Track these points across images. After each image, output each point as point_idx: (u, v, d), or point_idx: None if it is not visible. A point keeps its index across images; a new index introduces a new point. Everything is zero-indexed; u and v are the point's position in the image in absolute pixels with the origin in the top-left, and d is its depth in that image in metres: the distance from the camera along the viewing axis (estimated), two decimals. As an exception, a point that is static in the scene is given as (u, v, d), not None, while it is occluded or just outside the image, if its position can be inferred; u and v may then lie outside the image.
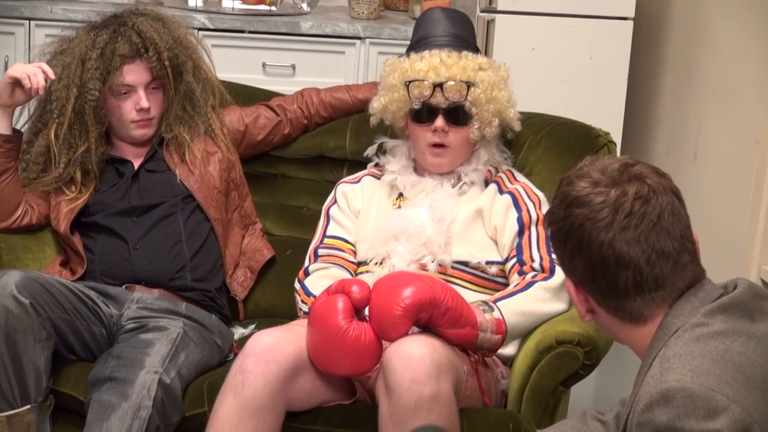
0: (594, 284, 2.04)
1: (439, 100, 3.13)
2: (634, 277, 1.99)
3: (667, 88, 4.81)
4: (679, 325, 1.99)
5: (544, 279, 2.98)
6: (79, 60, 3.27)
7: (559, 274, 2.95)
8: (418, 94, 3.13)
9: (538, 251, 3.05)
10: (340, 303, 2.75)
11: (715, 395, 1.85)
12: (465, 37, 3.23)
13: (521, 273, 3.03)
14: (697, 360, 1.90)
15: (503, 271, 3.09)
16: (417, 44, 3.22)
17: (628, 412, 2.00)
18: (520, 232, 3.08)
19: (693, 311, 1.99)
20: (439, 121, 3.13)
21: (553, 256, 3.00)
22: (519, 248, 3.07)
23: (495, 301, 2.90)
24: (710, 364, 1.89)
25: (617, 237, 1.98)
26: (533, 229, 3.08)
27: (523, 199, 3.13)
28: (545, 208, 3.13)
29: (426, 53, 3.15)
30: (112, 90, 3.30)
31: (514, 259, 3.06)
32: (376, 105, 3.26)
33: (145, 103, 3.31)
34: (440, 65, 3.12)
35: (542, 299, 2.96)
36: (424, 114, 3.15)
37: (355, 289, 2.77)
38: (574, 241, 2.02)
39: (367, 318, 2.77)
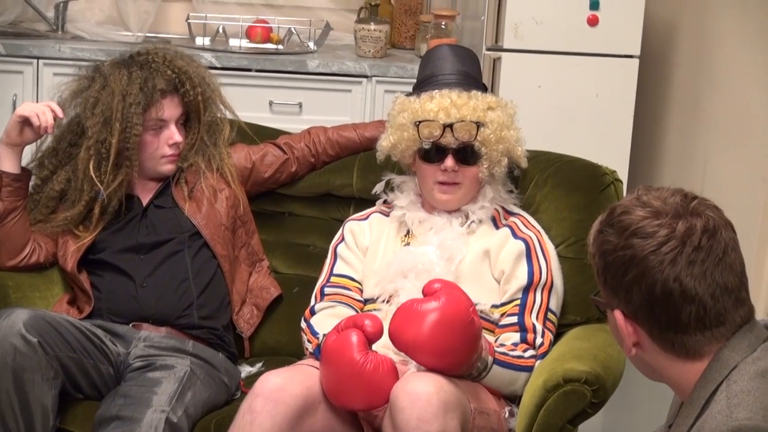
0: (652, 318, 1.99)
1: (448, 140, 3.13)
2: (697, 312, 1.95)
3: (673, 126, 4.82)
4: (738, 360, 1.96)
5: (533, 366, 2.99)
6: (120, 96, 3.27)
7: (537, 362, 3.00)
8: (427, 134, 3.14)
9: (537, 319, 3.05)
10: (354, 337, 2.77)
11: None
12: (473, 74, 3.24)
13: (523, 340, 3.02)
14: (767, 397, 1.88)
15: (502, 314, 3.09)
16: (425, 82, 3.23)
17: None
18: (526, 290, 3.07)
19: (750, 347, 1.97)
20: (449, 161, 3.14)
21: (547, 328, 3.06)
22: (522, 307, 3.06)
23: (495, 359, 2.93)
24: None
25: (684, 271, 1.94)
26: (539, 293, 3.08)
27: (536, 251, 3.11)
28: (555, 266, 3.14)
29: (436, 93, 3.15)
30: (147, 125, 3.31)
31: (515, 318, 3.05)
32: (385, 144, 3.25)
33: (178, 137, 3.34)
34: (450, 106, 3.12)
35: (521, 381, 2.98)
36: (433, 153, 3.15)
37: (367, 322, 2.79)
38: (636, 272, 1.97)
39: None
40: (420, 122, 3.14)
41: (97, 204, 3.31)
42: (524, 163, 3.28)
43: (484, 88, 3.24)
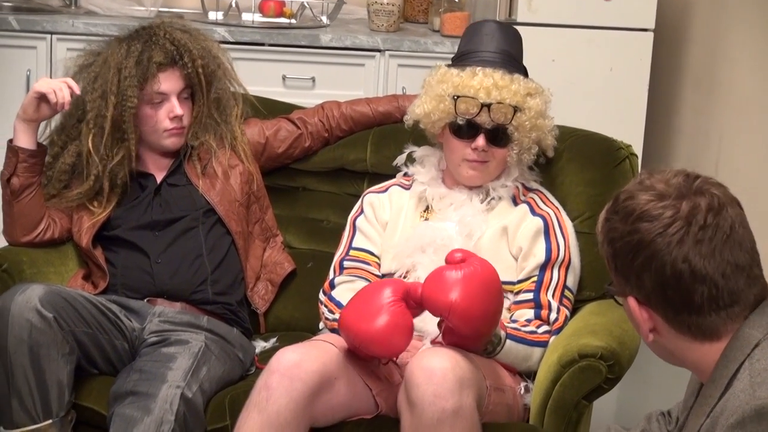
0: (666, 301, 1.98)
1: (484, 119, 3.11)
2: (709, 291, 1.95)
3: (688, 100, 4.81)
4: (760, 337, 1.95)
5: (548, 341, 3.00)
6: (116, 69, 3.27)
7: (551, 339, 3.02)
8: (464, 110, 3.12)
9: (553, 297, 3.05)
10: (398, 284, 2.81)
11: None
12: (517, 56, 3.22)
13: (537, 317, 3.03)
14: None
15: (519, 291, 3.09)
16: (468, 56, 3.20)
17: (702, 423, 1.96)
18: (544, 267, 3.07)
19: None
20: (481, 140, 3.12)
21: (564, 305, 3.06)
22: (538, 284, 3.06)
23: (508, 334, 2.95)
24: None
25: (692, 251, 1.93)
26: (557, 270, 3.08)
27: (554, 228, 3.12)
28: (573, 242, 3.14)
29: (479, 70, 3.13)
30: (145, 98, 3.31)
31: (530, 295, 3.05)
32: (418, 111, 3.22)
33: (178, 111, 3.32)
34: (492, 87, 3.09)
35: (535, 357, 2.99)
36: (465, 130, 3.14)
37: (420, 289, 2.81)
38: (645, 256, 1.96)
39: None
40: (458, 97, 3.12)
41: (106, 179, 3.31)
42: (551, 153, 3.27)
43: (525, 72, 3.22)
